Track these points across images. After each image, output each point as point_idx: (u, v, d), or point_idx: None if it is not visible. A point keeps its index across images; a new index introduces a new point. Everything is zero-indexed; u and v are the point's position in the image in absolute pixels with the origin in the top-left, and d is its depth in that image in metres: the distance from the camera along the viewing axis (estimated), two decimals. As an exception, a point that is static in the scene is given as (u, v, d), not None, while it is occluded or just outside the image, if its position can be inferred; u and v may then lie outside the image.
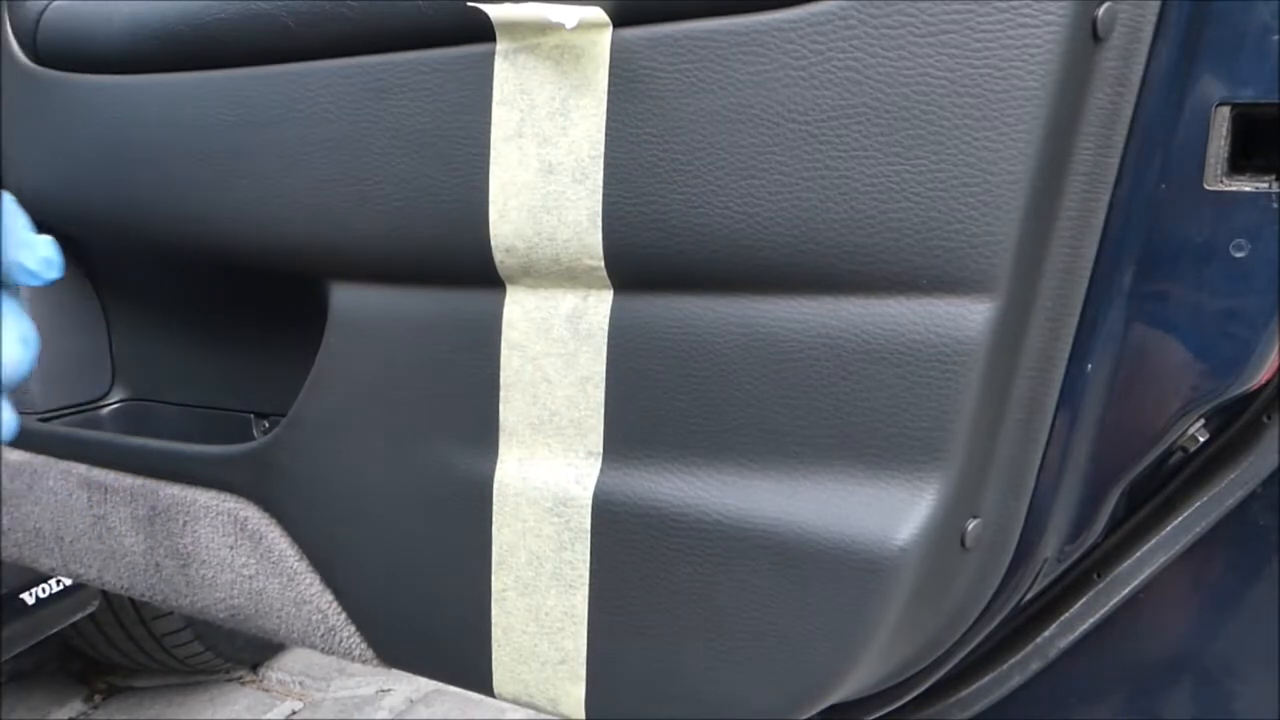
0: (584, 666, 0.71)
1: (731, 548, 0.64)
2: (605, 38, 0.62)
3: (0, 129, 0.95)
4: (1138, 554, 0.69)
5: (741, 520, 0.63)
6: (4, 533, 1.05)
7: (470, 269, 0.70)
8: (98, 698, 2.43)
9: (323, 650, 0.86)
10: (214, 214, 0.82)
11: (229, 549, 0.89)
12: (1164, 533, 0.68)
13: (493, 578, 0.73)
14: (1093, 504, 0.67)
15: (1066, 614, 0.72)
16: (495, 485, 0.72)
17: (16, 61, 0.93)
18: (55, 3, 0.91)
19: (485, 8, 0.64)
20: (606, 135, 0.63)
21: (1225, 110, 0.58)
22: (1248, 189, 0.58)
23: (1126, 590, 0.70)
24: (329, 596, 0.84)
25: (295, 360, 0.86)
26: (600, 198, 0.64)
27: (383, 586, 0.80)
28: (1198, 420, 0.66)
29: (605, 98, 0.62)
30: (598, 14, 0.61)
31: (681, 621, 0.66)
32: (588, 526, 0.68)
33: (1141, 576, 0.70)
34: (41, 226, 1.00)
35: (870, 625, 0.60)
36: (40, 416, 1.03)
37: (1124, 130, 0.59)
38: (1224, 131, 0.58)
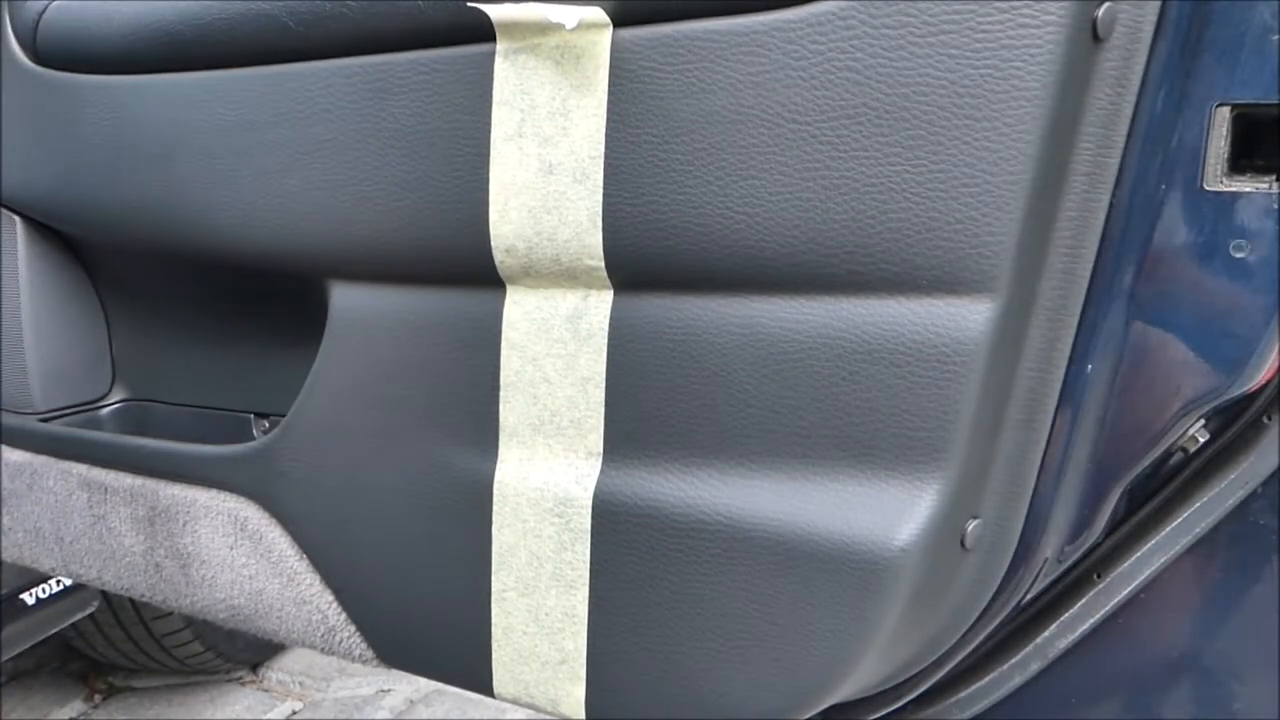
0: (584, 667, 0.71)
1: (731, 548, 0.64)
2: (605, 38, 0.62)
3: (0, 129, 0.95)
4: (1138, 554, 0.69)
5: (742, 520, 0.63)
6: (4, 533, 1.05)
7: (470, 269, 0.70)
8: (98, 698, 2.43)
9: (323, 650, 0.86)
10: (214, 214, 0.82)
11: (229, 549, 0.89)
12: (1164, 533, 0.68)
13: (493, 578, 0.73)
14: (1093, 504, 0.67)
15: (1067, 614, 0.72)
16: (495, 485, 0.72)
17: (16, 61, 0.93)
18: (55, 3, 0.91)
19: (485, 8, 0.64)
20: (607, 136, 0.63)
21: (1225, 110, 0.58)
22: (1248, 189, 0.58)
23: (1127, 590, 0.70)
24: (329, 597, 0.84)
25: (295, 360, 0.86)
26: (600, 198, 0.64)
27: (383, 587, 0.80)
28: (1198, 420, 0.66)
29: (605, 98, 0.62)
30: (598, 14, 0.61)
31: (681, 622, 0.66)
32: (588, 527, 0.68)
33: (1142, 577, 0.69)
34: (42, 226, 1.00)
35: (870, 625, 0.60)
36: (40, 417, 1.03)
37: (1124, 130, 0.59)
38: (1224, 132, 0.58)
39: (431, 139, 0.70)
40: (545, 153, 0.65)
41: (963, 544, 0.62)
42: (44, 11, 0.91)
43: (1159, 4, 0.57)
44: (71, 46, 0.89)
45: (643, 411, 0.66)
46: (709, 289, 0.63)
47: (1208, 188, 0.59)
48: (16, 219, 1.00)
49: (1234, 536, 0.68)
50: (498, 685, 0.75)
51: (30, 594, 1.79)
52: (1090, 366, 0.62)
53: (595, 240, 0.65)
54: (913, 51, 0.55)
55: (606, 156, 0.63)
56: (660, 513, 0.66)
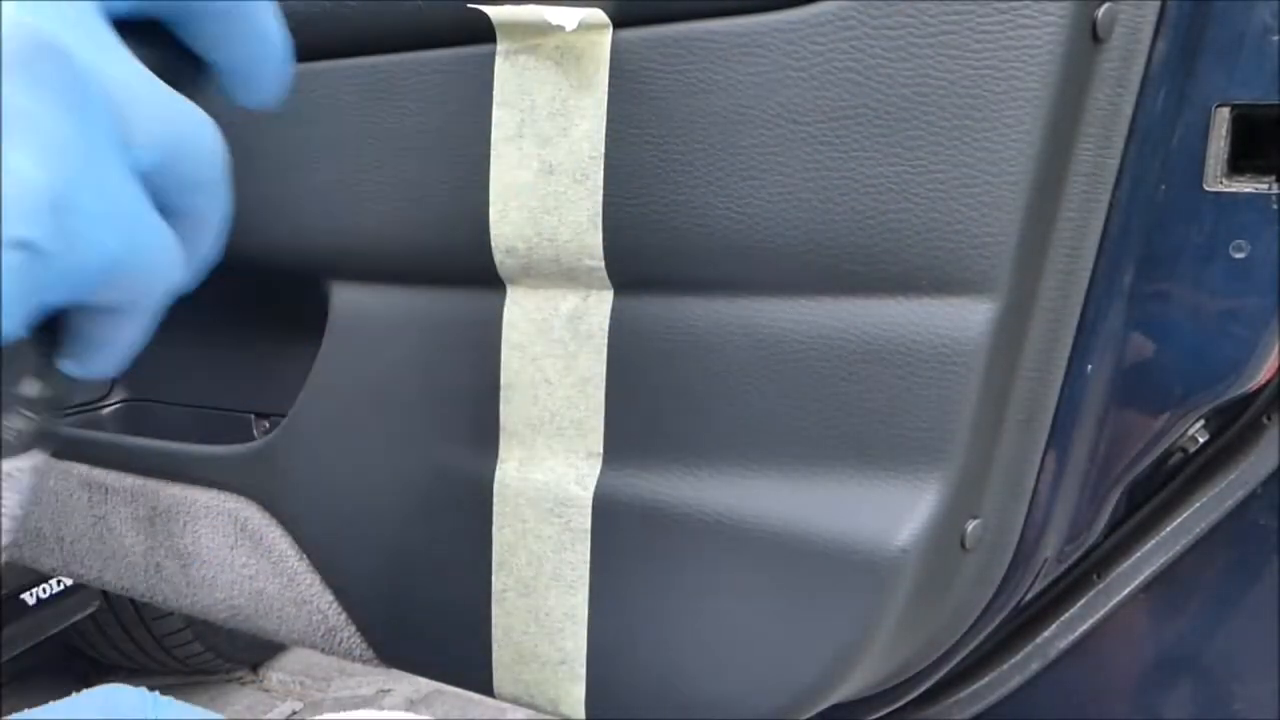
0: (584, 667, 0.71)
1: (731, 548, 0.64)
2: (606, 39, 0.62)
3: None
4: (1138, 554, 0.69)
5: (741, 521, 0.63)
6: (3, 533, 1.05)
7: (471, 269, 0.70)
8: (101, 697, 2.43)
9: (323, 650, 0.86)
10: (214, 214, 0.82)
11: (229, 549, 0.89)
12: (1164, 533, 0.68)
13: (493, 578, 0.73)
14: (1093, 504, 0.67)
15: (1066, 614, 0.72)
16: (495, 486, 0.72)
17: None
18: (56, 3, 0.91)
19: (485, 9, 0.64)
20: (607, 136, 0.63)
21: (1225, 111, 0.58)
22: (1248, 190, 0.58)
23: (1126, 591, 0.70)
24: (329, 597, 0.84)
25: (295, 360, 0.86)
26: (600, 198, 0.64)
27: (383, 587, 0.80)
28: (1197, 421, 0.66)
29: (605, 98, 0.63)
30: (598, 15, 0.61)
31: (682, 621, 0.66)
32: (588, 527, 0.69)
33: (1141, 577, 0.70)
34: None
35: (870, 626, 0.60)
36: (41, 417, 1.02)
37: (1124, 131, 0.59)
38: (1224, 132, 0.58)
39: (431, 140, 0.70)
40: (545, 153, 0.65)
41: (962, 544, 0.62)
42: (44, 12, 0.91)
43: (1159, 4, 0.57)
44: (72, 47, 0.89)
45: (643, 412, 0.66)
46: (708, 289, 0.63)
47: (1207, 188, 0.59)
48: (17, 219, 1.00)
49: (1234, 537, 0.68)
50: (498, 685, 0.75)
51: (31, 594, 1.79)
52: (1090, 367, 0.63)
53: (595, 241, 0.65)
54: (912, 52, 0.55)
55: (607, 157, 0.63)
56: (660, 513, 0.66)
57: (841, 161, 0.57)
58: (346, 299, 0.79)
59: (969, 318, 0.57)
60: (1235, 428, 0.67)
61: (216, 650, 2.26)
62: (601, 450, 0.68)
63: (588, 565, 0.69)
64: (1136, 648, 0.72)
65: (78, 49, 0.21)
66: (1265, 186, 0.58)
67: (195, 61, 0.31)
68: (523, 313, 0.69)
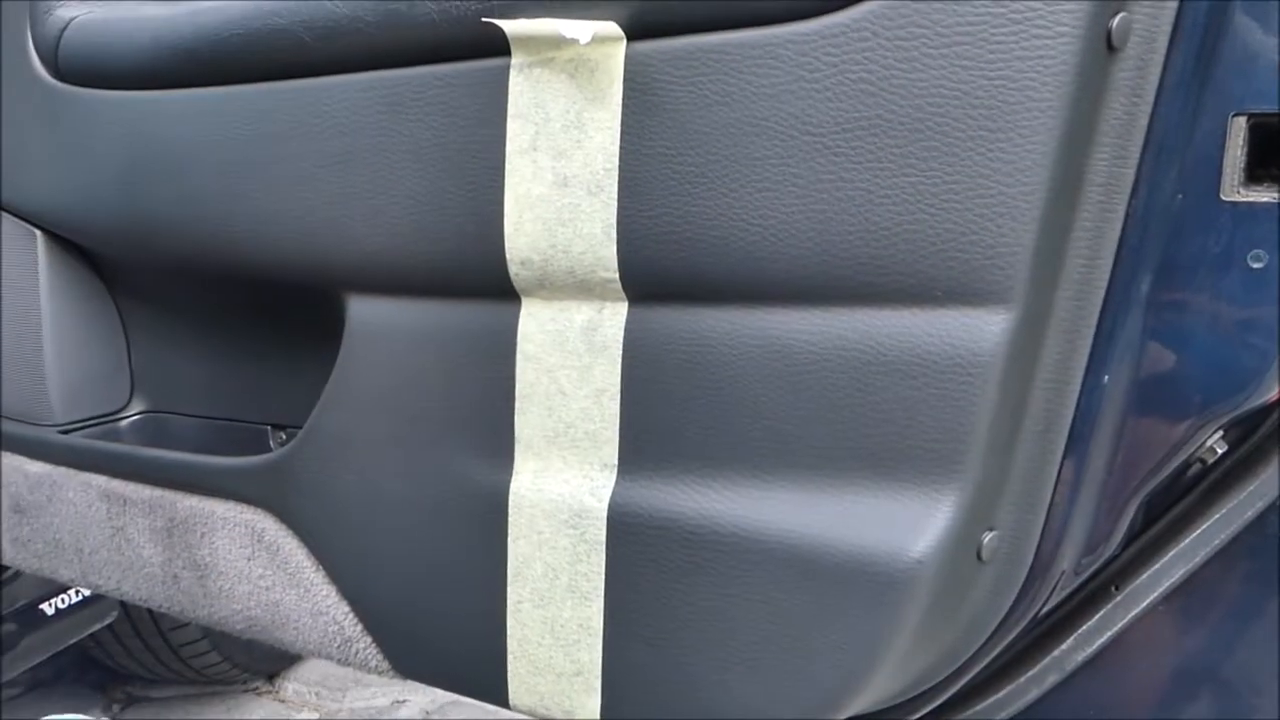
0: (599, 678, 0.71)
1: (747, 560, 0.64)
2: (619, 51, 0.62)
3: (24, 143, 0.96)
4: (1156, 566, 0.69)
5: (757, 532, 0.63)
6: (25, 543, 1.06)
7: (486, 282, 0.70)
8: (116, 707, 2.44)
9: (339, 661, 0.86)
10: (232, 227, 0.83)
11: (246, 560, 0.90)
12: (1182, 545, 0.68)
13: (508, 589, 0.73)
14: (1110, 516, 0.66)
15: (1084, 627, 0.71)
16: (511, 497, 0.72)
17: (38, 77, 0.94)
18: (76, 20, 0.92)
19: (500, 22, 0.64)
20: (621, 148, 0.63)
21: (1242, 120, 0.58)
22: (1265, 199, 0.58)
23: (1145, 603, 0.69)
24: (345, 608, 0.84)
25: (312, 372, 0.86)
26: (615, 210, 0.64)
27: (399, 598, 0.81)
28: (1216, 432, 0.65)
29: (619, 111, 0.63)
30: (612, 28, 0.62)
31: (696, 633, 0.66)
32: (603, 539, 0.68)
33: (1160, 589, 0.69)
34: (62, 240, 1.01)
35: (886, 638, 0.60)
36: (60, 429, 1.03)
37: (1140, 140, 0.58)
38: (1241, 141, 0.58)
39: (447, 152, 0.70)
40: (560, 165, 0.65)
41: (979, 556, 0.62)
42: (65, 29, 0.92)
43: (1174, 14, 0.57)
44: (92, 63, 0.90)
45: (658, 423, 0.66)
46: (723, 301, 0.63)
47: (1224, 198, 0.59)
48: (37, 233, 1.01)
49: (1253, 548, 0.67)
50: (513, 696, 0.75)
51: (50, 604, 1.80)
52: (1107, 377, 0.62)
53: (610, 252, 0.65)
54: (927, 63, 0.55)
55: (621, 169, 0.63)
56: (675, 525, 0.66)
57: (855, 172, 0.57)
58: (362, 311, 0.79)
59: (985, 328, 0.56)
60: (1254, 439, 0.66)
61: (233, 660, 2.26)
62: (616, 462, 0.68)
63: (603, 577, 0.69)
64: (1155, 661, 0.71)
65: None
66: (1283, 196, 0.57)
67: None
68: (537, 324, 0.70)
